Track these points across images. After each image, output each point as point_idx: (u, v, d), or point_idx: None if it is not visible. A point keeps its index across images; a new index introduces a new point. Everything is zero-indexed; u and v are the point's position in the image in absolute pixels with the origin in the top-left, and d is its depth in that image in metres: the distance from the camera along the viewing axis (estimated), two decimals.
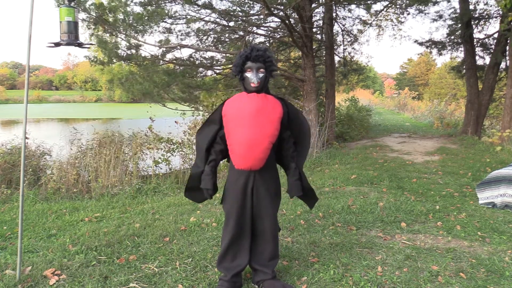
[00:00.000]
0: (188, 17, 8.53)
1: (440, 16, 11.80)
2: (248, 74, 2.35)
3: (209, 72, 10.08)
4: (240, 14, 9.27)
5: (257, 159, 2.36)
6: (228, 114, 2.39)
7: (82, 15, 6.97)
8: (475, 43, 11.31)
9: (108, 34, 7.56)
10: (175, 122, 7.86)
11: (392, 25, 13.05)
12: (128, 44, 7.76)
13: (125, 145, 7.06)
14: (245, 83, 2.39)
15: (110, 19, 7.22)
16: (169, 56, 8.86)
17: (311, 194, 2.69)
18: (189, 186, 2.61)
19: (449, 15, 11.74)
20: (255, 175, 2.42)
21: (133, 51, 7.85)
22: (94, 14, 7.01)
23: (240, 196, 2.43)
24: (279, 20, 8.58)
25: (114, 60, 7.86)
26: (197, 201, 2.74)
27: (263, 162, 2.39)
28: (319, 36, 10.97)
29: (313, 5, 9.00)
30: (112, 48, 7.46)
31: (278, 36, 10.29)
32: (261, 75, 2.35)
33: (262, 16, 8.84)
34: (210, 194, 2.52)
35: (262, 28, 10.15)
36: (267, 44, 10.42)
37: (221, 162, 2.70)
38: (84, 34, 7.52)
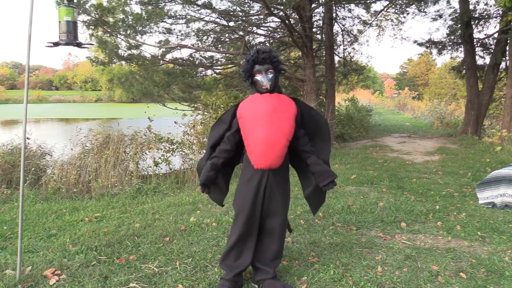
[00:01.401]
0: (188, 17, 8.53)
1: (440, 16, 11.80)
2: (259, 77, 2.40)
3: (209, 72, 10.09)
4: (240, 14, 9.27)
5: (276, 158, 2.38)
6: (244, 115, 2.41)
7: (82, 17, 6.97)
8: (475, 43, 11.31)
9: (108, 35, 7.56)
10: (175, 122, 7.84)
11: (392, 25, 13.06)
12: (128, 44, 7.76)
13: (126, 145, 7.04)
14: (257, 86, 2.43)
15: (110, 20, 7.22)
16: (169, 56, 8.87)
17: (322, 194, 2.70)
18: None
19: (449, 15, 11.76)
20: (269, 174, 2.44)
21: (134, 51, 7.86)
22: (94, 16, 7.01)
23: (253, 194, 2.45)
24: (279, 20, 8.59)
25: (115, 60, 7.87)
26: (216, 201, 2.74)
27: (281, 160, 2.42)
28: (319, 36, 10.97)
29: (313, 5, 9.00)
30: (113, 49, 7.47)
31: (278, 36, 10.30)
32: (270, 75, 2.40)
33: (262, 16, 8.83)
34: (204, 188, 2.54)
35: (262, 28, 10.16)
36: (267, 44, 10.42)
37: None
38: (84, 34, 7.54)
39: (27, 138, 7.00)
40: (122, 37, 7.62)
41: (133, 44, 7.78)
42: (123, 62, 8.39)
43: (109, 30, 7.32)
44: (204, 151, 2.86)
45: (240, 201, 2.50)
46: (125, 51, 7.80)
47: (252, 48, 9.28)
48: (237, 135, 2.49)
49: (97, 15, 6.97)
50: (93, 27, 7.25)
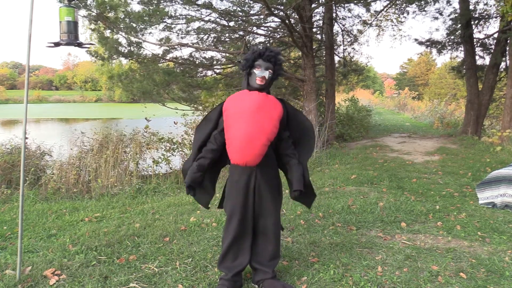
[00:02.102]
0: (188, 17, 8.53)
1: (441, 14, 11.79)
2: (256, 71, 2.39)
3: (209, 72, 10.09)
4: (240, 14, 9.27)
5: (253, 155, 2.36)
6: (228, 109, 2.41)
7: (83, 12, 6.97)
8: (475, 43, 11.31)
9: (109, 31, 7.56)
10: (174, 122, 7.85)
11: (392, 25, 13.07)
12: (128, 41, 7.76)
13: (125, 145, 7.04)
14: (250, 78, 2.43)
15: (111, 17, 7.21)
16: (169, 55, 8.87)
17: (310, 191, 2.67)
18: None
19: (449, 15, 11.76)
20: (256, 173, 2.44)
21: (134, 48, 7.86)
22: (95, 11, 7.01)
23: (243, 195, 2.44)
24: (279, 20, 8.58)
25: (115, 56, 7.86)
26: (202, 204, 2.68)
27: (259, 158, 2.40)
28: (319, 36, 10.97)
29: (313, 5, 9.00)
30: (113, 45, 7.46)
31: (278, 36, 10.30)
32: (268, 75, 2.39)
33: (262, 16, 8.84)
34: (189, 190, 2.50)
35: (262, 28, 10.16)
36: (267, 44, 10.42)
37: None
38: (84, 34, 7.54)
39: (26, 137, 6.99)
40: (123, 33, 7.62)
41: (133, 42, 7.77)
42: (123, 60, 8.39)
43: (110, 26, 7.31)
44: None
45: (231, 202, 2.49)
46: (126, 47, 7.80)
47: (252, 48, 9.27)
48: (224, 134, 2.47)
49: (98, 11, 6.97)
50: (94, 22, 7.24)
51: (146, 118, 7.44)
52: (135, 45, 7.81)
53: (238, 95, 2.45)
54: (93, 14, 7.02)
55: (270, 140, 2.40)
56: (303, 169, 2.56)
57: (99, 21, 7.17)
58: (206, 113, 2.59)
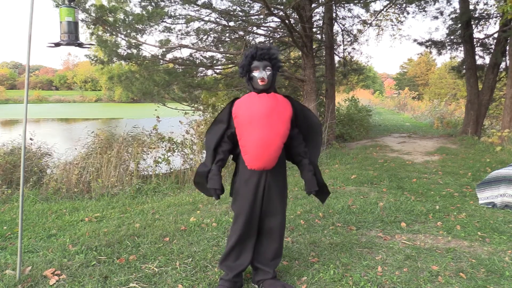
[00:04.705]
0: (188, 17, 8.54)
1: (441, 13, 11.79)
2: (256, 73, 2.37)
3: (209, 72, 10.09)
4: (240, 14, 9.27)
5: (270, 159, 2.38)
6: (239, 115, 2.38)
7: (82, 16, 6.97)
8: (475, 43, 11.31)
9: (108, 34, 7.56)
10: (180, 122, 7.86)
11: (392, 25, 13.07)
12: (128, 43, 7.77)
13: (128, 145, 7.04)
14: (253, 82, 2.41)
15: (110, 19, 7.22)
16: (169, 55, 8.88)
17: (324, 189, 2.71)
18: (196, 181, 2.61)
19: (449, 15, 11.76)
20: (267, 174, 2.44)
21: (134, 50, 7.86)
22: (94, 15, 7.01)
23: (252, 195, 2.44)
24: (279, 20, 8.59)
25: (115, 59, 7.86)
26: (207, 195, 2.67)
27: (275, 161, 2.42)
28: (319, 36, 10.98)
29: (313, 5, 9.01)
30: (112, 47, 7.46)
31: (278, 36, 10.30)
32: (268, 72, 2.38)
33: (262, 16, 8.84)
34: (218, 194, 2.49)
35: (262, 28, 10.17)
36: (267, 43, 10.43)
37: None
38: (84, 34, 7.54)
39: (31, 139, 7.02)
40: (122, 36, 7.62)
41: (133, 44, 7.77)
42: (123, 62, 8.38)
43: (109, 29, 7.32)
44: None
45: (240, 202, 2.49)
46: (125, 50, 7.80)
47: (244, 53, 9.28)
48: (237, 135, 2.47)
49: (97, 15, 6.97)
50: (93, 26, 7.25)
51: (157, 117, 7.49)
52: (134, 47, 7.81)
53: (246, 99, 2.41)
54: (92, 17, 7.01)
55: (284, 142, 2.42)
56: (314, 168, 2.60)
57: (98, 25, 7.16)
58: (216, 114, 2.57)
